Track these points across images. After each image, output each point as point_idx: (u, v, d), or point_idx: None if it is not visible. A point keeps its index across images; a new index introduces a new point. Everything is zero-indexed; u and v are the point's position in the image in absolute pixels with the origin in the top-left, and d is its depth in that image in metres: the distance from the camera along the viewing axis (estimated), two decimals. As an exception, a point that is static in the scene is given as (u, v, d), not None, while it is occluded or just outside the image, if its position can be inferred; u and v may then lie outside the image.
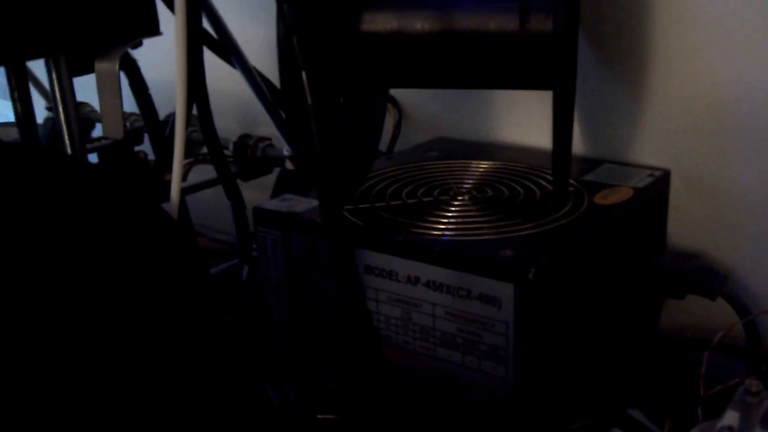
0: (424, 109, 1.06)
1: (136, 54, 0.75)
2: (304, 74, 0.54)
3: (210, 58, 0.88)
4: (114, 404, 0.54)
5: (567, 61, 0.67)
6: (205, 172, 1.04)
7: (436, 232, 0.72)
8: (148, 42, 0.75)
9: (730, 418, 0.58)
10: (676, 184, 0.87)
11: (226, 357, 0.63)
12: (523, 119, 0.96)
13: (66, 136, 0.66)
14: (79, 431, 0.52)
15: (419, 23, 0.70)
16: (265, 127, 1.04)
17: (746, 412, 0.58)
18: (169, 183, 0.66)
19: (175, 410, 0.58)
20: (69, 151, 0.66)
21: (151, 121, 0.70)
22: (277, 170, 1.06)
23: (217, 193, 0.94)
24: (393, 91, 1.06)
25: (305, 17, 0.56)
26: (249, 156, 1.05)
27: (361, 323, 0.66)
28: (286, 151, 0.98)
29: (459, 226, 0.73)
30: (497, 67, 0.71)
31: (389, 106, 1.05)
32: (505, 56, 0.70)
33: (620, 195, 0.79)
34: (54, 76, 0.66)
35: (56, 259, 0.51)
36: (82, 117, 1.10)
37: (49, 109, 1.10)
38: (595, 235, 0.74)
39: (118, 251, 0.53)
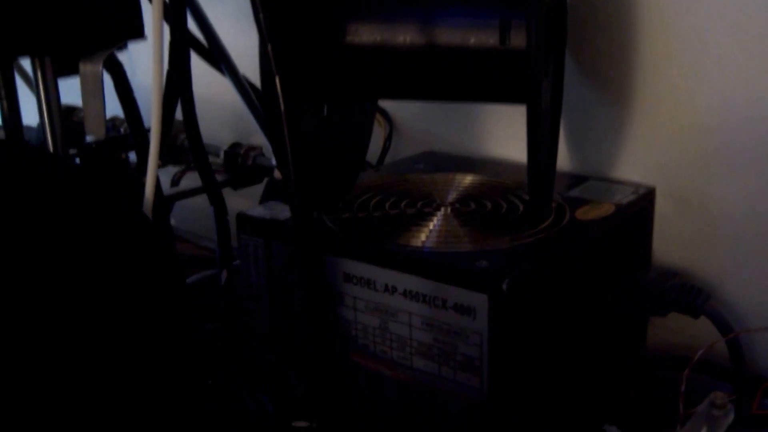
0: (414, 123, 1.06)
1: (124, 59, 0.76)
2: (277, 80, 0.55)
3: (209, 68, 0.89)
4: (84, 408, 0.54)
5: (537, 76, 0.68)
6: (198, 179, 1.04)
7: (415, 243, 0.73)
8: (138, 48, 0.76)
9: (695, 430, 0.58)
10: (660, 202, 0.88)
11: (198, 361, 0.63)
12: (513, 135, 0.97)
13: (48, 135, 0.66)
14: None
15: (402, 36, 0.71)
16: (259, 136, 1.05)
17: (711, 424, 0.58)
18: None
19: (148, 415, 0.58)
20: (51, 149, 0.66)
21: (134, 123, 0.71)
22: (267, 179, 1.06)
23: (202, 200, 0.95)
24: (385, 105, 1.07)
25: (280, 26, 0.57)
26: (239, 165, 1.05)
27: (325, 330, 0.67)
28: (274, 160, 0.98)
29: (439, 238, 0.74)
30: (477, 81, 0.72)
31: (381, 119, 1.06)
32: (484, 71, 0.70)
33: (601, 211, 0.79)
34: (39, 75, 0.67)
35: (28, 252, 0.51)
36: (77, 121, 1.12)
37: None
38: (573, 249, 0.74)
39: (91, 248, 0.53)
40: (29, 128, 0.77)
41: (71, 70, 0.67)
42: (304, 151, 0.62)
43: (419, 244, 0.73)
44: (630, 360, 0.89)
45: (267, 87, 0.61)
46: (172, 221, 1.21)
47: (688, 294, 0.82)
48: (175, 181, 1.18)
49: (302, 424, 0.73)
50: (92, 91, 0.64)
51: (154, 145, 0.61)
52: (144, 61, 0.77)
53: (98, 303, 0.54)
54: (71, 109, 1.05)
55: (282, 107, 0.55)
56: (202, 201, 1.04)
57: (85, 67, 0.65)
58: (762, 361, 0.86)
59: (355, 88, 0.75)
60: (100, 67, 0.65)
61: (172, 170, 1.19)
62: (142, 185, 0.65)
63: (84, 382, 0.54)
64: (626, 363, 0.89)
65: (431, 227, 0.76)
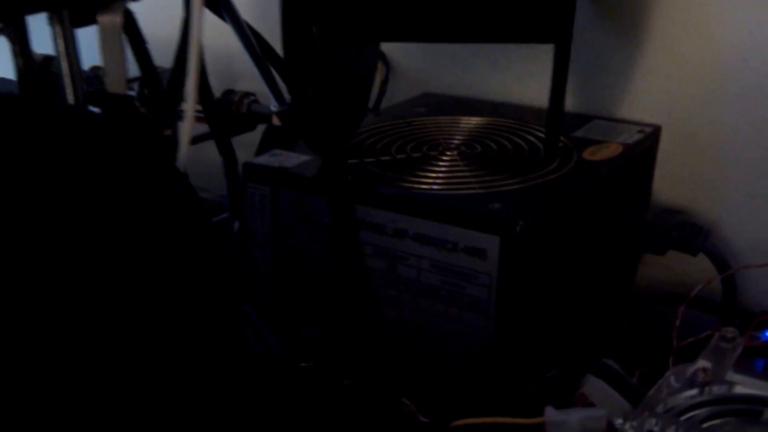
0: (410, 65, 1.06)
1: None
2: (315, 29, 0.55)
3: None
4: (103, 345, 0.55)
5: (569, 15, 0.68)
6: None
7: (424, 186, 0.74)
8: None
9: (705, 361, 0.60)
10: (664, 140, 0.88)
11: (218, 304, 0.64)
12: (510, 76, 0.97)
13: (69, 88, 0.66)
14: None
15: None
16: (245, 82, 1.04)
17: (720, 356, 0.60)
18: (167, 137, 0.67)
19: (162, 355, 0.59)
20: (72, 102, 0.66)
21: (149, 74, 0.71)
22: (260, 127, 1.06)
23: (196, 150, 0.94)
24: (381, 47, 1.07)
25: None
26: (233, 112, 1.04)
27: (360, 281, 0.67)
28: (273, 106, 0.98)
29: (447, 181, 0.75)
30: (501, 20, 0.72)
31: (379, 63, 1.06)
32: (510, 9, 0.70)
33: (609, 151, 0.80)
34: (57, 30, 0.66)
35: (66, 205, 0.52)
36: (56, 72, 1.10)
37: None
38: (582, 190, 0.75)
39: (125, 201, 0.54)
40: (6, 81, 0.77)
41: (88, 20, 0.67)
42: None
43: (429, 187, 0.74)
44: (622, 294, 0.91)
45: (292, 35, 0.61)
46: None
47: (689, 232, 0.84)
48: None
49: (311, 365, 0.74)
50: (112, 45, 0.64)
51: (191, 96, 0.61)
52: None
53: (133, 253, 0.55)
54: (49, 59, 1.03)
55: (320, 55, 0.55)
56: (192, 151, 1.04)
57: (104, 20, 0.64)
58: (754, 297, 0.88)
59: (373, 29, 0.74)
60: (119, 18, 0.64)
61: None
62: (165, 138, 0.65)
63: (112, 329, 0.55)
64: (618, 297, 0.91)
65: (439, 171, 0.77)
